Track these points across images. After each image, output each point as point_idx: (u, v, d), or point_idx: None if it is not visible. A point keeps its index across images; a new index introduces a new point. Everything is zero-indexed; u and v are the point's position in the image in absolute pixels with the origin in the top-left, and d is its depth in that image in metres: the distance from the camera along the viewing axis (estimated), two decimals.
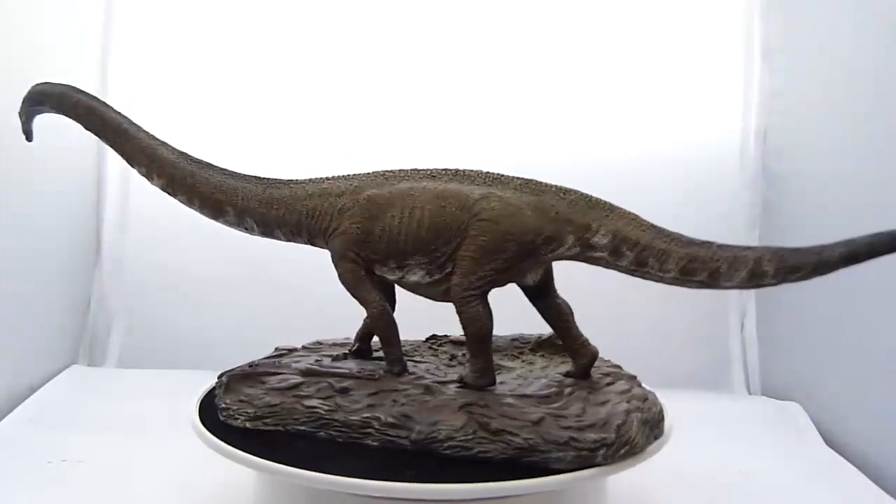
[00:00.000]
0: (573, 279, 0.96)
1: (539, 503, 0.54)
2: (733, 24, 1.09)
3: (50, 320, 1.01)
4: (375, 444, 0.57)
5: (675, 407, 0.65)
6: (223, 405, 0.60)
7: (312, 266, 1.04)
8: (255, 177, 0.65)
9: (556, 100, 1.09)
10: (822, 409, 0.92)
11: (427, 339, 0.73)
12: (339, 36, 1.10)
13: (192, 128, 1.07)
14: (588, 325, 0.79)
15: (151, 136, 0.66)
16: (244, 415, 0.60)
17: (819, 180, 0.97)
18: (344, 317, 0.82)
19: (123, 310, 1.09)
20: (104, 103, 0.67)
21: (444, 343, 0.72)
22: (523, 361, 0.69)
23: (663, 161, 1.08)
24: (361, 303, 0.62)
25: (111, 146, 0.67)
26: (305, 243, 0.65)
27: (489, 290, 0.59)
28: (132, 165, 0.67)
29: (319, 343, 0.71)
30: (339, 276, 0.62)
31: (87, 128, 0.66)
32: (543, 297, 0.63)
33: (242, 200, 0.64)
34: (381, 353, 0.64)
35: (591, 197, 0.60)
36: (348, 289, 0.62)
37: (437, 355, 0.69)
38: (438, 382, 0.60)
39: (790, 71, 1.06)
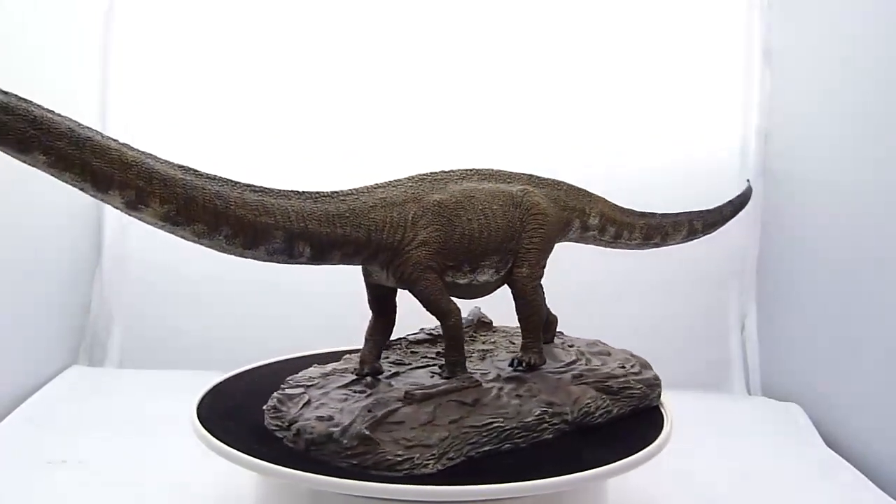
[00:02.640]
0: (573, 280, 0.97)
1: None
2: (734, 24, 1.09)
3: (50, 320, 1.01)
4: (551, 436, 0.59)
5: (675, 407, 0.66)
6: (395, 458, 0.52)
7: (310, 268, 1.05)
8: (294, 192, 0.55)
9: (556, 102, 1.09)
10: (822, 409, 0.92)
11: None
12: (344, 42, 1.10)
13: (194, 131, 1.07)
14: (587, 325, 0.80)
15: (128, 145, 0.49)
16: (432, 458, 0.53)
17: (820, 181, 0.97)
18: (342, 316, 0.82)
19: (124, 310, 1.09)
20: (31, 101, 0.45)
21: (409, 345, 0.71)
22: (484, 342, 0.72)
23: (663, 162, 1.08)
24: (443, 313, 0.59)
25: (56, 167, 0.46)
26: (359, 263, 0.59)
27: None
28: (101, 192, 0.47)
29: (310, 377, 0.63)
30: (423, 289, 0.58)
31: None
32: None
33: (297, 222, 0.54)
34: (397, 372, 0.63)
35: (573, 185, 0.69)
36: (430, 301, 0.59)
37: (420, 357, 0.68)
38: (505, 374, 0.62)
39: (791, 72, 1.06)
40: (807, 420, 0.92)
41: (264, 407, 0.60)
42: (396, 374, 0.62)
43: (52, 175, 0.47)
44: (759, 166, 1.09)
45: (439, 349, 0.70)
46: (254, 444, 0.55)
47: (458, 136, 1.07)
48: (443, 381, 0.60)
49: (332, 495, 0.51)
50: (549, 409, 0.59)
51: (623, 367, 0.67)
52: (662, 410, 0.65)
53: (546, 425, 0.59)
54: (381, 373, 0.62)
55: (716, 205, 0.77)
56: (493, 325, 0.78)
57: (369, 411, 0.55)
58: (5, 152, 0.45)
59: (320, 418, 0.55)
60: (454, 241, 0.59)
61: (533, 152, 1.06)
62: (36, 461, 0.73)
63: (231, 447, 0.54)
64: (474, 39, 1.10)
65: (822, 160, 0.97)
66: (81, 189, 0.48)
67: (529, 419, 0.58)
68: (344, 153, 1.07)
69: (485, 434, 0.56)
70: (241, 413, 0.62)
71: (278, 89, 1.09)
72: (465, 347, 0.69)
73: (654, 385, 0.67)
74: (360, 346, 0.72)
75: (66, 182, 0.47)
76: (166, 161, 0.51)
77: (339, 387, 0.60)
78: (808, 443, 0.86)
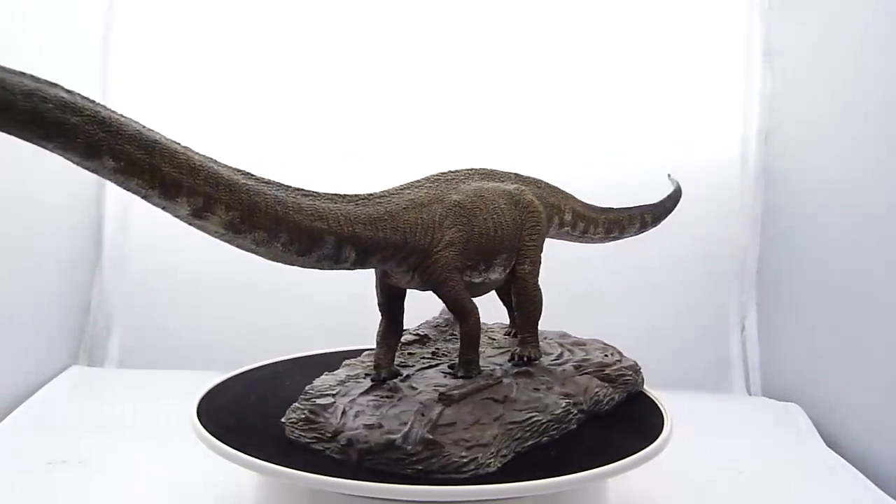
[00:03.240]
0: (574, 281, 0.96)
1: None
2: (734, 25, 1.09)
3: (50, 321, 1.01)
4: (575, 426, 0.60)
5: (676, 407, 0.66)
6: (461, 460, 0.51)
7: (311, 269, 1.05)
8: (337, 195, 0.53)
9: (556, 103, 1.09)
10: (822, 409, 0.92)
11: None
12: (342, 43, 1.10)
13: (196, 131, 1.06)
14: (588, 325, 0.80)
15: (190, 148, 0.46)
16: (492, 457, 0.53)
17: (820, 181, 0.97)
18: (341, 317, 0.82)
19: (123, 310, 1.09)
20: (95, 101, 0.42)
21: (403, 346, 0.70)
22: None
23: (663, 162, 1.08)
24: (467, 312, 0.59)
25: (124, 173, 0.42)
26: (392, 267, 0.57)
27: None
28: (168, 200, 0.44)
29: (329, 386, 0.61)
30: (450, 290, 0.58)
31: (64, 145, 0.40)
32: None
33: (346, 226, 0.52)
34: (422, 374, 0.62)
35: (549, 183, 0.70)
36: (456, 301, 0.59)
37: (419, 358, 0.68)
38: (510, 369, 0.64)
39: (791, 72, 1.06)
40: (807, 420, 0.92)
41: (284, 420, 0.59)
42: (408, 376, 0.62)
43: (116, 182, 0.43)
44: (760, 166, 1.09)
45: (433, 349, 0.70)
46: (286, 458, 0.53)
47: (459, 137, 1.07)
48: (463, 379, 0.60)
49: (331, 495, 0.51)
50: (570, 401, 0.61)
51: (607, 356, 0.70)
52: (662, 410, 0.65)
53: (571, 416, 0.60)
54: (399, 376, 0.61)
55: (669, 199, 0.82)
56: None
57: (423, 415, 0.54)
58: (69, 158, 0.41)
59: (369, 426, 0.53)
60: (474, 240, 0.59)
61: (533, 153, 1.06)
62: (36, 461, 0.73)
63: (231, 447, 0.54)
64: (476, 41, 1.10)
65: (822, 160, 0.97)
66: (144, 197, 0.44)
67: (558, 411, 0.59)
68: (344, 152, 1.07)
69: (527, 429, 0.56)
70: (248, 417, 0.62)
71: (278, 89, 1.09)
72: (451, 346, 0.69)
73: (637, 370, 0.70)
74: (357, 347, 0.73)
75: (130, 190, 0.43)
76: (225, 164, 0.48)
77: (363, 393, 0.59)
78: (808, 443, 0.86)
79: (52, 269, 1.00)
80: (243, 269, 1.08)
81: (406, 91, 1.09)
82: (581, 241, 0.76)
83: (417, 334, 0.73)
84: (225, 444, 0.55)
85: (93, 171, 0.42)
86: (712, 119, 1.09)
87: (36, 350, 0.96)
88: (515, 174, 0.68)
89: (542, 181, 0.70)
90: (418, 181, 0.60)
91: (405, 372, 0.63)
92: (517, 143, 1.07)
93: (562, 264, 1.04)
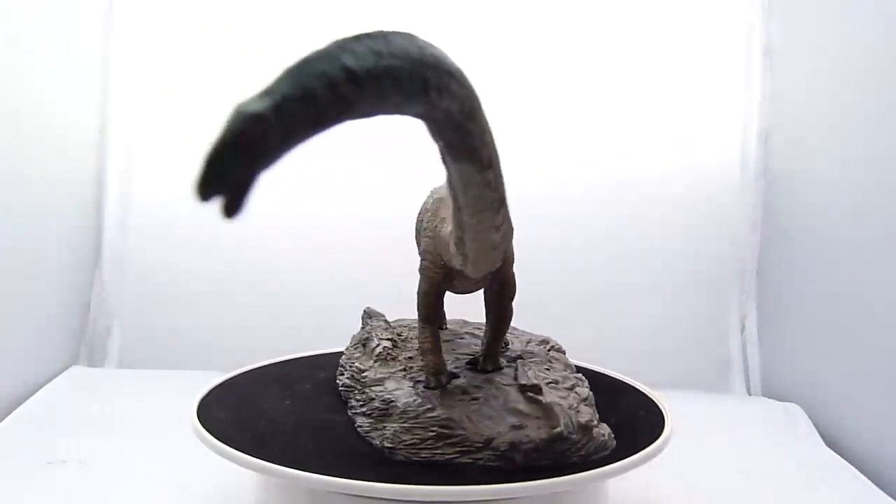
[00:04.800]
0: (575, 281, 0.96)
1: None
2: (734, 25, 1.09)
3: (50, 321, 1.01)
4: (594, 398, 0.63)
5: (675, 407, 0.66)
6: (604, 439, 0.55)
7: (310, 267, 1.05)
8: None
9: (556, 104, 1.09)
10: (823, 410, 0.92)
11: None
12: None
13: (196, 129, 1.07)
14: (588, 324, 0.80)
15: None
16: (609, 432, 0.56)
17: (820, 181, 0.97)
18: (341, 317, 0.81)
19: (123, 310, 1.09)
20: None
21: (391, 352, 0.69)
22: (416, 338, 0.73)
23: (664, 162, 1.08)
24: (511, 309, 0.61)
25: (486, 186, 0.44)
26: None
27: None
28: (497, 212, 0.46)
29: (414, 400, 0.58)
30: (513, 288, 0.60)
31: (459, 153, 0.41)
32: None
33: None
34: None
35: None
36: (512, 298, 0.60)
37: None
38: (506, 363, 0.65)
39: (791, 72, 1.06)
40: (807, 420, 0.92)
41: (393, 445, 0.55)
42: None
43: (472, 199, 0.45)
44: (759, 167, 1.09)
45: (412, 353, 0.68)
46: (440, 480, 0.50)
47: None
48: (493, 371, 0.61)
49: (331, 495, 0.51)
50: (580, 375, 0.63)
51: (527, 332, 0.72)
52: (662, 410, 0.65)
53: (590, 387, 0.63)
54: (457, 377, 0.61)
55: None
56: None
57: (570, 407, 0.56)
58: (464, 169, 0.42)
59: (516, 427, 0.53)
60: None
61: (534, 153, 1.06)
62: (36, 461, 0.73)
63: (231, 447, 0.54)
64: (478, 44, 1.09)
65: (822, 160, 0.96)
66: (479, 211, 0.46)
67: (587, 384, 0.62)
68: (344, 152, 1.07)
69: (592, 404, 0.59)
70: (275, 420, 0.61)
71: None
72: (409, 345, 0.69)
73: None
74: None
75: (476, 211, 0.46)
76: None
77: (447, 399, 0.57)
78: (808, 443, 0.86)
79: (52, 269, 1.00)
80: (243, 269, 1.09)
81: None
82: None
83: (391, 339, 0.70)
84: (225, 443, 0.55)
85: (471, 182, 0.43)
86: (712, 120, 1.09)
87: (36, 350, 0.97)
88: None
89: None
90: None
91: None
92: (518, 143, 1.07)
93: (563, 265, 1.05)
